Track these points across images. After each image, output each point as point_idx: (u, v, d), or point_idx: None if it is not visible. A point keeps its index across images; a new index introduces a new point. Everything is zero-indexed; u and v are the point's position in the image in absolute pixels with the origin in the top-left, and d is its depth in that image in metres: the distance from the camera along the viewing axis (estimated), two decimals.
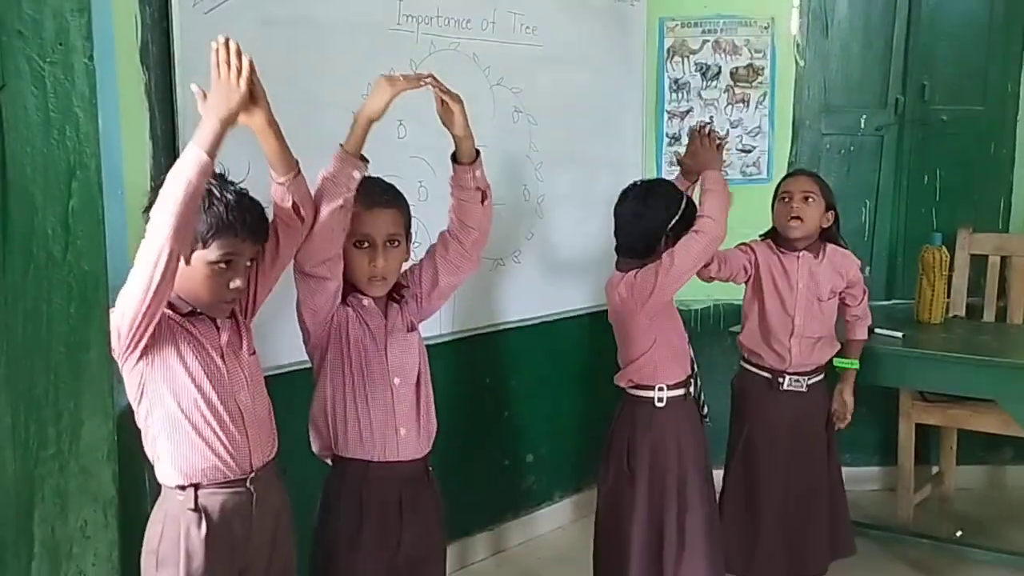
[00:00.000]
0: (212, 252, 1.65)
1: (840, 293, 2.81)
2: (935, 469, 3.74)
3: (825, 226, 2.76)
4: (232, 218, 1.65)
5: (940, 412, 3.37)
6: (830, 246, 2.79)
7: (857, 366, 2.84)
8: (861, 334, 2.86)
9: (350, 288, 1.95)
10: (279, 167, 1.75)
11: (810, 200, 2.72)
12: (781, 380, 2.75)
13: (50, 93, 0.80)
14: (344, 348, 1.94)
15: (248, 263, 1.73)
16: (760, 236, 2.84)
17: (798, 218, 2.71)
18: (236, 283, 1.69)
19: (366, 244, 1.93)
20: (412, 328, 2.04)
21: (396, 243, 1.97)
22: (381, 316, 1.99)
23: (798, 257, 2.75)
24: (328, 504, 1.97)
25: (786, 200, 2.74)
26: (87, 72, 0.82)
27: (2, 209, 0.77)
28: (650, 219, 2.37)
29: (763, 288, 2.76)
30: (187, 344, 1.68)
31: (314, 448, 2.01)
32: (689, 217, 2.35)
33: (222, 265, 1.66)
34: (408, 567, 2.01)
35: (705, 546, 2.40)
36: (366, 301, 1.96)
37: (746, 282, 2.79)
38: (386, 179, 2.06)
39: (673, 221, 2.35)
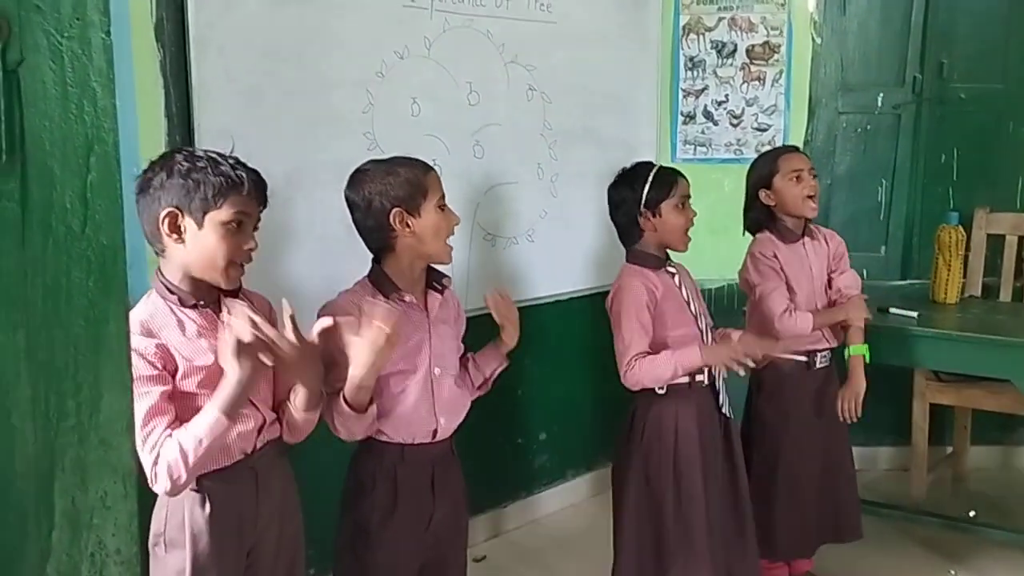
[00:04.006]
0: (224, 212, 1.65)
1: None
2: (949, 449, 3.73)
3: None
4: (238, 176, 1.66)
5: (954, 392, 3.36)
6: (811, 226, 2.75)
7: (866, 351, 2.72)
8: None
9: (391, 287, 1.95)
10: (310, 405, 1.78)
11: (815, 176, 2.68)
12: (815, 360, 2.70)
13: (68, 68, 0.80)
14: None
15: (254, 228, 1.73)
16: (749, 230, 2.75)
17: (814, 196, 2.66)
18: (249, 244, 1.70)
19: (443, 206, 1.98)
20: (447, 322, 2.07)
21: None
22: (422, 309, 2.01)
23: (803, 244, 2.71)
24: (362, 484, 1.98)
25: (798, 179, 2.64)
26: (104, 47, 0.82)
27: (22, 183, 0.78)
28: (621, 203, 2.41)
29: (788, 285, 2.66)
30: (195, 342, 1.67)
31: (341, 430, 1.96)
32: (663, 181, 2.36)
33: (234, 225, 1.66)
34: (435, 543, 2.04)
35: (703, 538, 2.35)
36: (408, 297, 1.97)
37: None
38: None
39: (643, 196, 2.36)
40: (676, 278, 2.42)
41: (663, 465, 2.36)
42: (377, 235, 1.95)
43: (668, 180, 2.38)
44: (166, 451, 1.58)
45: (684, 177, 2.43)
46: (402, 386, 1.96)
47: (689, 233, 2.41)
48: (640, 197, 2.37)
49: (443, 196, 1.97)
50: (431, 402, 2.00)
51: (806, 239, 2.72)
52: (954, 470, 3.71)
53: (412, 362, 1.97)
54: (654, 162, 2.51)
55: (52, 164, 0.80)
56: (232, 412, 1.61)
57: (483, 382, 2.18)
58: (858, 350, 2.70)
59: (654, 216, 2.37)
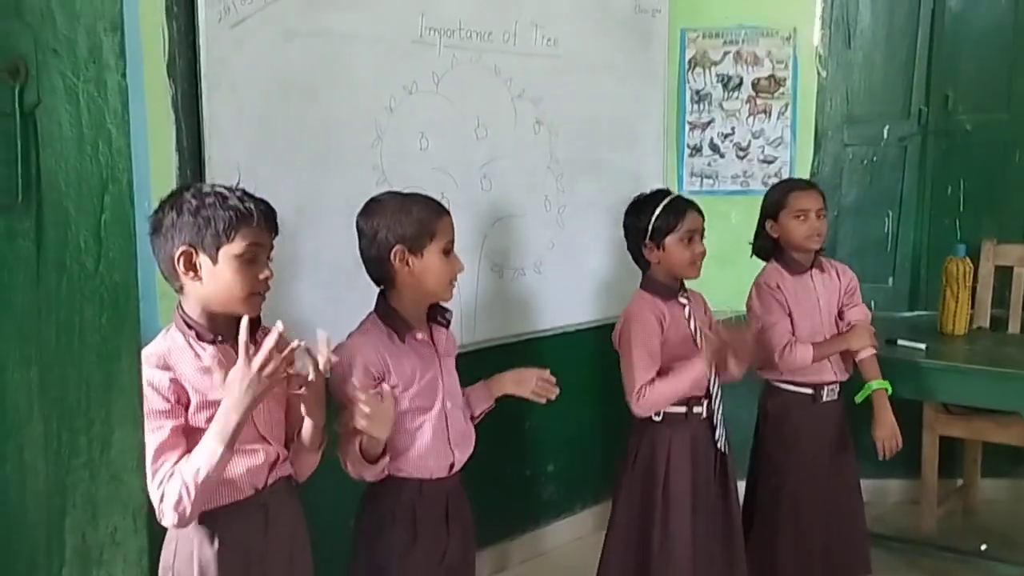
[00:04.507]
0: (236, 245, 1.66)
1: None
2: (959, 482, 3.70)
3: None
4: (247, 209, 1.67)
5: (964, 424, 3.34)
6: (822, 258, 2.76)
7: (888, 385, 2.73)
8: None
9: (405, 326, 1.96)
10: (312, 444, 1.80)
11: (823, 216, 2.68)
12: (822, 393, 2.68)
13: (83, 109, 0.82)
14: (399, 381, 1.94)
15: (268, 257, 1.74)
16: (756, 254, 2.76)
17: (820, 236, 2.67)
18: (265, 273, 1.71)
19: (449, 251, 1.98)
20: (451, 354, 2.09)
21: None
22: (431, 345, 2.02)
23: (811, 276, 2.71)
24: (381, 521, 1.96)
25: (803, 218, 2.63)
26: (120, 89, 0.83)
27: (37, 222, 0.79)
28: (630, 232, 2.43)
29: (793, 317, 2.66)
30: (209, 377, 1.68)
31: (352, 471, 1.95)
32: (670, 212, 2.35)
33: (248, 257, 1.67)
34: (447, 574, 2.03)
35: (686, 572, 2.35)
36: (419, 335, 1.98)
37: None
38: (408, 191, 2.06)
39: (649, 226, 2.36)
40: (687, 309, 2.41)
41: (652, 497, 2.37)
42: (377, 267, 1.97)
43: (677, 212, 2.37)
44: (171, 486, 1.59)
45: (697, 210, 2.40)
46: (418, 422, 1.97)
47: (699, 264, 2.40)
48: (646, 227, 2.37)
49: (451, 241, 1.97)
50: (446, 436, 2.01)
51: (814, 271, 2.72)
52: (964, 503, 3.68)
53: (429, 399, 1.98)
54: (671, 191, 2.50)
55: (67, 204, 0.81)
56: (230, 442, 1.60)
57: (469, 418, 2.17)
58: (879, 385, 2.70)
59: (658, 248, 2.37)
